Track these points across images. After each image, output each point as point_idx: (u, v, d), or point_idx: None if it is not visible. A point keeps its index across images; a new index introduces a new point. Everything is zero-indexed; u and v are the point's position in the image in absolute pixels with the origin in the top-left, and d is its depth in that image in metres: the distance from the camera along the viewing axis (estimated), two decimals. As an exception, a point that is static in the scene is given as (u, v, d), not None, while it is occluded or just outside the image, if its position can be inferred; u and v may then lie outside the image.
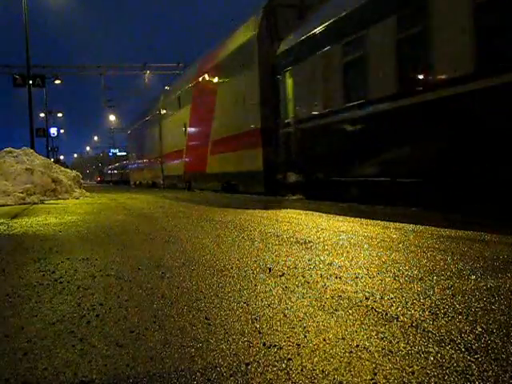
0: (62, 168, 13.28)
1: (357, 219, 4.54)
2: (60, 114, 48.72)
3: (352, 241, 3.24)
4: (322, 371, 1.18)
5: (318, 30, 8.14)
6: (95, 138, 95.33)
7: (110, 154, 78.19)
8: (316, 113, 8.33)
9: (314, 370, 1.19)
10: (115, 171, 53.94)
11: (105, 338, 1.48)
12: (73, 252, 3.13)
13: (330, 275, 2.24)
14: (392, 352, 1.29)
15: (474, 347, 1.31)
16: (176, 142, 17.59)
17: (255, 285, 2.10)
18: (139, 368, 1.24)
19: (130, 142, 32.60)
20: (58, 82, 29.91)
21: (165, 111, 20.14)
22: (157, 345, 1.40)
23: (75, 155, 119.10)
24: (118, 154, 74.37)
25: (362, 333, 1.46)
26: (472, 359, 1.23)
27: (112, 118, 57.22)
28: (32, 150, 11.98)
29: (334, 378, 1.14)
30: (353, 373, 1.17)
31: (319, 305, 1.77)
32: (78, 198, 10.73)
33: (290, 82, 9.22)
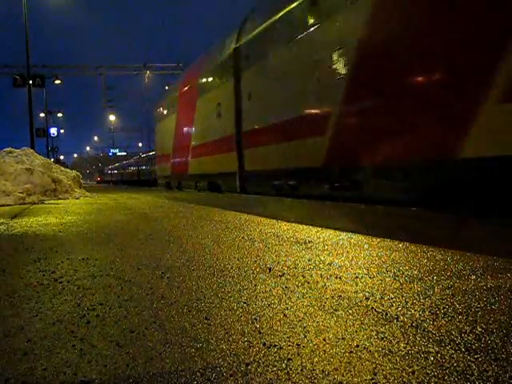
0: (62, 168, 13.28)
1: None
2: (60, 114, 48.74)
3: (352, 241, 3.24)
4: (322, 371, 1.18)
5: None
6: (95, 138, 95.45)
7: (110, 153, 78.27)
8: None
9: (313, 370, 1.19)
10: (115, 171, 54.01)
11: (105, 338, 1.48)
12: (73, 252, 3.13)
13: (330, 275, 2.24)
14: (392, 352, 1.29)
15: (474, 347, 1.31)
16: (293, 102, 8.54)
17: (255, 285, 2.10)
18: (139, 368, 1.24)
19: (159, 121, 20.94)
20: (57, 82, 29.99)
21: (253, 51, 10.43)
22: (157, 345, 1.40)
23: (75, 155, 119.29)
24: (118, 153, 74.53)
25: (362, 333, 1.46)
26: (472, 359, 1.23)
27: (112, 117, 57.27)
28: (32, 150, 11.98)
29: (334, 378, 1.14)
30: (353, 373, 1.17)
31: (319, 305, 1.77)
32: (78, 198, 10.74)
33: None
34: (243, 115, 10.98)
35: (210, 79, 13.54)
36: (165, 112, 19.30)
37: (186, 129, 15.92)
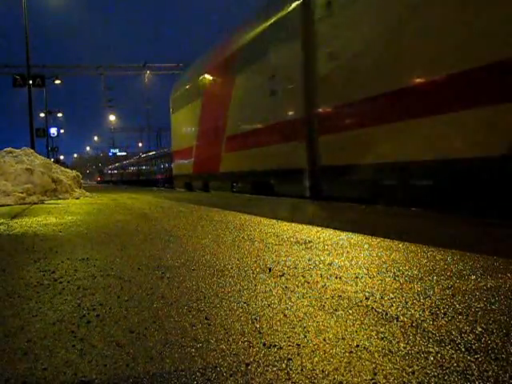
0: (62, 168, 13.28)
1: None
2: (60, 114, 48.71)
3: (352, 241, 3.23)
4: (322, 371, 1.18)
5: None
6: (95, 138, 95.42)
7: (110, 153, 78.30)
8: None
9: (313, 370, 1.19)
10: (115, 171, 54.07)
11: (105, 338, 1.48)
12: (73, 252, 3.13)
13: (330, 275, 2.24)
14: (392, 352, 1.29)
15: (474, 347, 1.31)
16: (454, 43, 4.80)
17: (255, 285, 2.10)
18: (139, 368, 1.24)
19: (176, 111, 16.72)
20: (57, 82, 30.01)
21: None
22: (157, 345, 1.40)
23: (75, 155, 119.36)
24: (118, 153, 74.61)
25: (362, 333, 1.46)
26: (472, 359, 1.23)
27: (112, 117, 57.25)
28: (32, 150, 11.98)
29: (334, 378, 1.14)
30: (353, 373, 1.17)
31: (319, 305, 1.77)
32: (78, 198, 10.74)
33: None
34: (319, 87, 7.45)
35: (256, 47, 9.80)
36: (185, 98, 15.47)
37: (216, 116, 12.28)
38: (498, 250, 2.68)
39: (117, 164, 56.29)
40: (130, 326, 1.58)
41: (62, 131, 52.34)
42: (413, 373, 1.16)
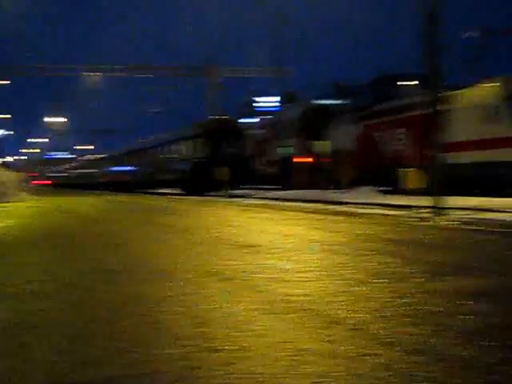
0: (5, 170, 12.71)
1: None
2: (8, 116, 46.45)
3: (301, 245, 3.26)
4: (268, 374, 1.17)
5: None
6: (46, 139, 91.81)
7: (49, 156, 74.87)
8: None
9: (259, 373, 1.18)
10: (61, 174, 52.64)
11: (48, 344, 1.42)
12: (13, 256, 3.01)
13: (279, 279, 2.25)
14: (339, 355, 1.30)
15: (419, 349, 1.33)
16: None
17: (203, 289, 2.08)
18: (87, 373, 1.20)
19: None
20: (5, 82, 28.72)
21: None
22: (104, 350, 1.36)
23: (25, 157, 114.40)
24: (60, 156, 71.61)
25: (308, 336, 1.46)
26: (418, 361, 1.25)
27: (54, 119, 55.14)
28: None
29: (279, 382, 1.14)
30: (298, 376, 1.16)
31: (267, 308, 1.77)
32: (21, 201, 10.31)
33: None
34: None
35: None
36: None
37: None
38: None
39: (57, 167, 54.98)
40: (75, 332, 1.53)
41: (12, 132, 49.93)
42: (359, 375, 1.16)
